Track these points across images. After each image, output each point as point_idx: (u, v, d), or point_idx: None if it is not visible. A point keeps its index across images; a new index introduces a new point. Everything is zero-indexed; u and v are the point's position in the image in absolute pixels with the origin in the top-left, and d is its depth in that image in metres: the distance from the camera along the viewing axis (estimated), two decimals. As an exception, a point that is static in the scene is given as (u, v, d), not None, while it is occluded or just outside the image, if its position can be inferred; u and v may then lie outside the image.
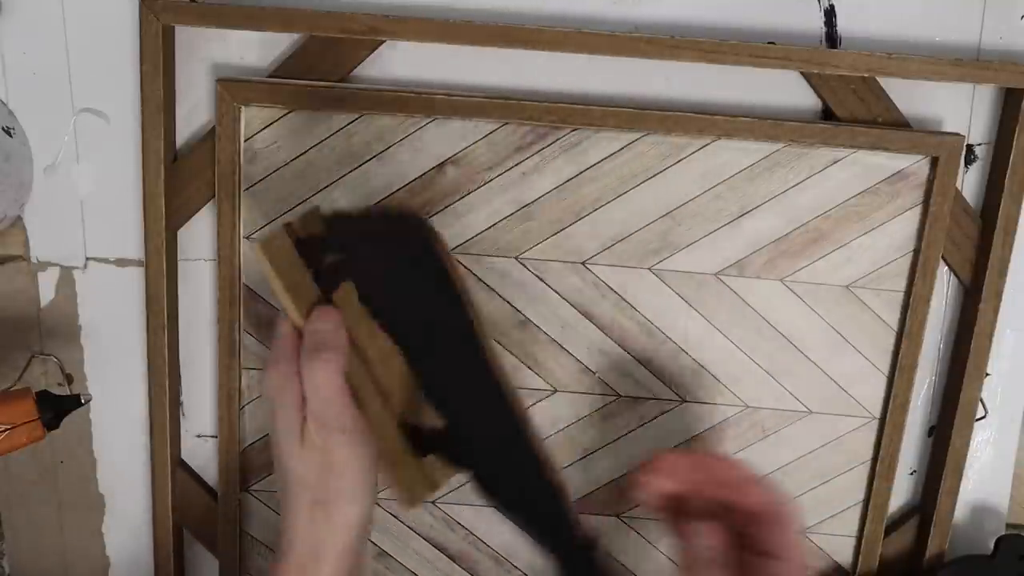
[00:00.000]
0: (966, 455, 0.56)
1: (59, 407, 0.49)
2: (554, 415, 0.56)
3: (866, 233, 0.54)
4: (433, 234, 0.44)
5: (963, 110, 0.53)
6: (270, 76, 0.52)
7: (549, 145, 0.52)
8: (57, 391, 0.51)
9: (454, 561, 0.59)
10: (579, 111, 0.51)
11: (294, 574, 0.42)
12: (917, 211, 0.53)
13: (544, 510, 0.43)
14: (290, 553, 0.42)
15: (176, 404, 0.56)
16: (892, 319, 0.55)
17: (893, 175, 0.53)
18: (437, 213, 0.53)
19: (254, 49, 0.52)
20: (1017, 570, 0.56)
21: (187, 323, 0.56)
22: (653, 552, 0.58)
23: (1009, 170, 0.52)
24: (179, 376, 0.56)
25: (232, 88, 0.50)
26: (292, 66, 0.51)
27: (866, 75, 0.51)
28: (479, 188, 0.53)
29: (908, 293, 0.54)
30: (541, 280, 0.54)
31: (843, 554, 0.58)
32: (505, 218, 0.53)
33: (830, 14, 0.51)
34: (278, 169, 0.53)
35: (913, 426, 0.57)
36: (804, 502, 0.57)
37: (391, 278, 0.44)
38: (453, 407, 0.44)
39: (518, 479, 0.44)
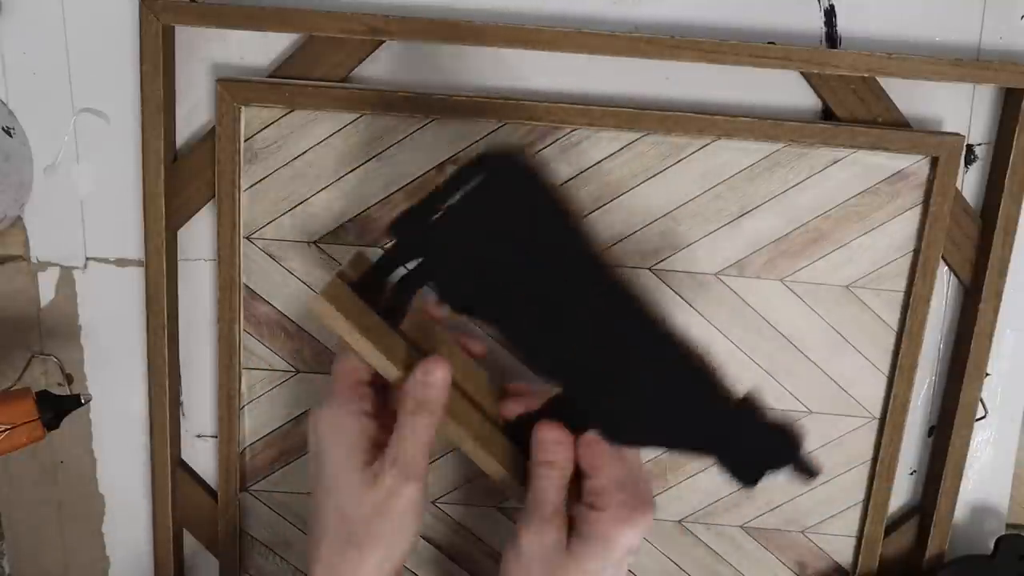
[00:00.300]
0: (966, 455, 0.56)
1: (59, 407, 0.49)
2: (554, 415, 0.56)
3: (866, 233, 0.54)
4: (521, 167, 0.41)
5: (963, 110, 0.53)
6: (270, 76, 0.52)
7: (549, 145, 0.52)
8: (57, 391, 0.51)
9: (454, 561, 0.59)
10: (579, 111, 0.51)
11: None
12: (917, 211, 0.53)
13: (697, 417, 0.42)
14: None
15: (176, 404, 0.56)
16: (892, 319, 0.55)
17: (893, 175, 0.53)
18: (437, 213, 0.53)
19: (254, 49, 0.52)
20: (1017, 570, 0.56)
21: (187, 323, 0.56)
22: (654, 552, 0.58)
23: (1009, 170, 0.52)
24: (179, 376, 0.56)
25: (232, 88, 0.50)
26: (292, 66, 0.51)
27: (866, 75, 0.51)
28: (479, 188, 0.53)
29: (908, 293, 0.54)
30: (541, 280, 0.54)
31: (843, 554, 0.59)
32: (505, 218, 0.53)
33: (830, 14, 0.52)
34: (278, 169, 0.53)
35: (913, 426, 0.57)
36: (804, 502, 0.57)
37: (479, 257, 0.42)
38: (570, 367, 0.42)
39: (659, 402, 0.42)
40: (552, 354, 0.43)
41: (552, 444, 0.43)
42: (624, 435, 0.43)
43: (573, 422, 0.44)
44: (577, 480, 0.44)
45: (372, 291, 0.44)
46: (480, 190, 0.41)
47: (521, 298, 0.42)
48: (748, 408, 0.41)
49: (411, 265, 0.43)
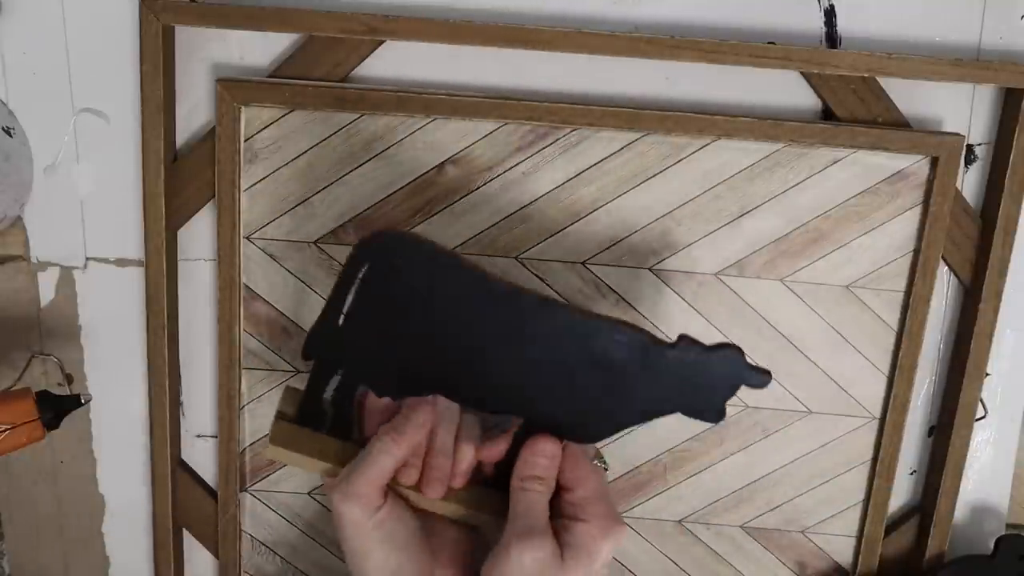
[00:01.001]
0: (966, 455, 0.56)
1: (59, 407, 0.49)
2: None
3: (866, 233, 0.54)
4: (388, 256, 0.43)
5: (963, 110, 0.53)
6: (270, 76, 0.52)
7: (549, 145, 0.52)
8: (57, 391, 0.51)
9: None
10: (579, 111, 0.51)
11: None
12: (917, 211, 0.53)
13: (646, 376, 0.43)
14: None
15: (176, 404, 0.56)
16: (892, 319, 0.55)
17: (893, 175, 0.53)
18: (437, 213, 0.53)
19: (254, 49, 0.52)
20: (1017, 570, 0.56)
21: (187, 323, 0.56)
22: (654, 552, 0.58)
23: (1009, 170, 0.52)
24: (179, 376, 0.56)
25: (232, 88, 0.50)
26: (292, 66, 0.51)
27: (866, 75, 0.51)
28: (479, 188, 0.53)
29: (908, 293, 0.54)
30: (541, 280, 0.54)
31: (843, 554, 0.59)
32: (505, 218, 0.53)
33: (830, 14, 0.52)
34: (278, 169, 0.53)
35: (913, 426, 0.57)
36: (804, 502, 0.57)
37: (393, 338, 0.44)
38: (527, 407, 0.44)
39: (610, 382, 0.43)
40: (500, 394, 0.44)
41: (543, 458, 0.44)
42: (596, 432, 0.44)
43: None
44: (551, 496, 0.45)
45: (315, 416, 0.46)
46: (370, 276, 0.43)
47: (447, 359, 0.43)
48: (685, 344, 0.42)
49: (337, 378, 0.45)
